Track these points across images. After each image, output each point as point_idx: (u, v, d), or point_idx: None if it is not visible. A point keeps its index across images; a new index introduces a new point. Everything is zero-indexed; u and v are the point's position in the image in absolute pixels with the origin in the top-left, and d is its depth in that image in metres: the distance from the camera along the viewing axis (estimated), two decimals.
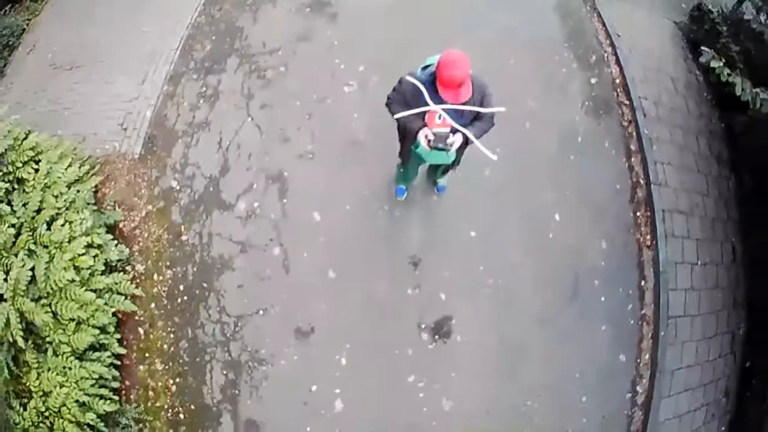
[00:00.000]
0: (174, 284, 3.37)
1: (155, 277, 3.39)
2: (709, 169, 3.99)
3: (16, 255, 2.95)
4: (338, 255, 3.25)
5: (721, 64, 3.27)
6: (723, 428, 3.60)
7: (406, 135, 2.57)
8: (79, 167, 3.38)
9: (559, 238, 3.43)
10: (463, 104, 2.32)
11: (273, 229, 3.33)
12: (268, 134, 3.55)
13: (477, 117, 2.43)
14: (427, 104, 2.33)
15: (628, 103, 4.00)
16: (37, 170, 3.22)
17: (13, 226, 2.98)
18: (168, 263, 3.40)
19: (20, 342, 2.82)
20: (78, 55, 4.17)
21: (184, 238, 3.43)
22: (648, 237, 3.69)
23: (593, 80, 3.98)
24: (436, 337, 3.16)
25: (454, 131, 2.40)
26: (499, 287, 3.27)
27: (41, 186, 3.18)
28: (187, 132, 3.65)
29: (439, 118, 2.38)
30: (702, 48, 3.49)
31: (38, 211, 3.13)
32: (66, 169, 3.28)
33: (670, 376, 3.38)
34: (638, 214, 3.72)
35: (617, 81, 4.06)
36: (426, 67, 2.37)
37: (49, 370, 2.94)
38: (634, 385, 3.36)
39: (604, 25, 4.25)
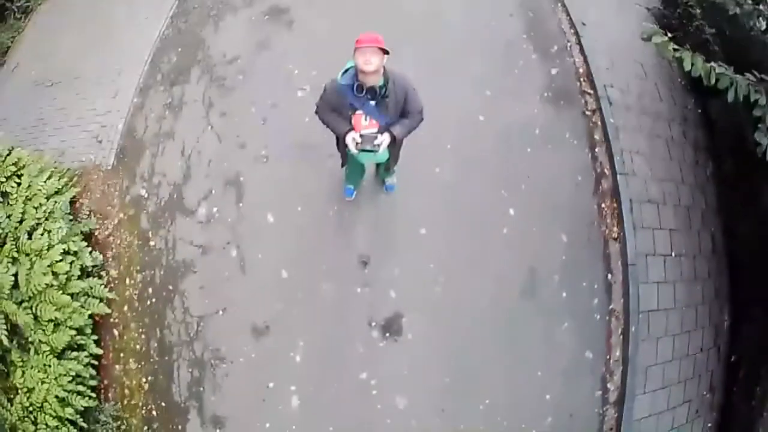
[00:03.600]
0: (144, 287, 3.54)
1: (127, 281, 3.58)
2: (683, 156, 3.80)
3: (0, 262, 3.21)
4: (290, 255, 3.32)
5: (666, 38, 2.87)
6: (710, 425, 3.46)
7: (339, 139, 2.63)
8: (59, 179, 3.61)
9: (514, 234, 3.37)
10: (385, 98, 2.35)
11: (230, 231, 3.44)
12: (226, 141, 3.68)
13: (403, 114, 2.46)
14: (352, 105, 2.39)
15: (592, 92, 3.87)
16: (19, 184, 3.48)
17: None
18: (138, 268, 3.58)
19: (5, 341, 3.08)
20: (57, 71, 4.42)
21: (152, 243, 3.61)
22: (615, 229, 3.57)
23: (554, 71, 3.88)
24: (387, 334, 3.18)
25: (381, 131, 2.43)
26: (451, 284, 3.24)
27: (23, 198, 3.44)
28: (154, 142, 3.83)
29: (366, 119, 2.43)
30: (643, 24, 3.20)
31: (21, 222, 3.38)
32: (45, 181, 3.52)
33: (644, 372, 3.25)
34: (603, 205, 3.60)
35: (581, 70, 3.93)
36: (346, 70, 2.41)
37: (32, 367, 3.16)
38: (605, 383, 3.26)
39: (568, 14, 4.14)
